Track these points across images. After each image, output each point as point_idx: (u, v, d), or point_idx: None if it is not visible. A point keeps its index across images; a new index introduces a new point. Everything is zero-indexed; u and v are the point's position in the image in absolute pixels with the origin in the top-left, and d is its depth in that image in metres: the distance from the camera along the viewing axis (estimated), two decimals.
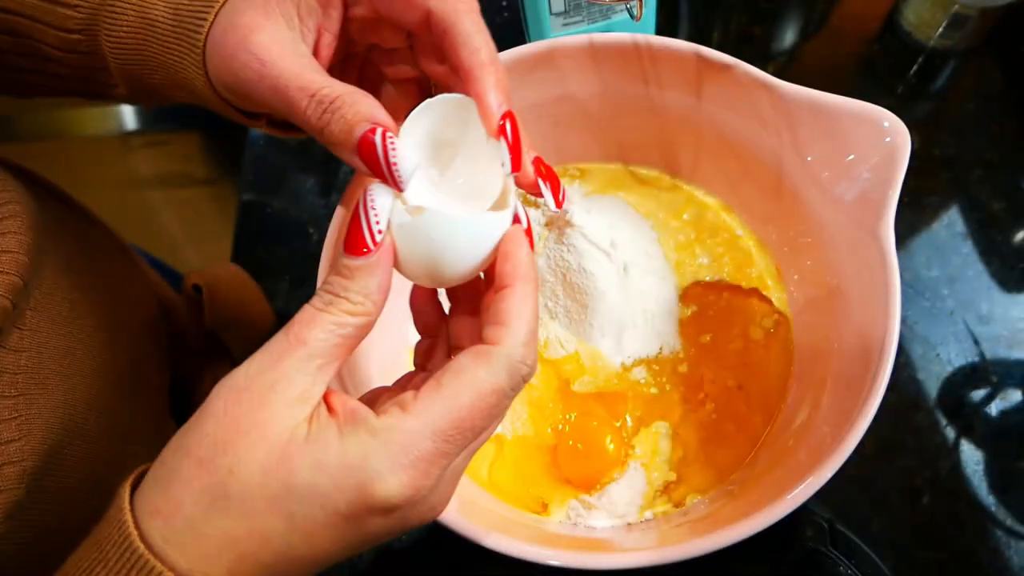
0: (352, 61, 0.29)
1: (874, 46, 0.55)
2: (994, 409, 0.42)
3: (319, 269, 0.32)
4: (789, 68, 0.56)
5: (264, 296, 0.48)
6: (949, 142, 0.50)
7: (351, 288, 0.22)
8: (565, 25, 0.46)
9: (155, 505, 0.20)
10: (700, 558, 0.27)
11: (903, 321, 0.31)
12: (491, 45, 0.24)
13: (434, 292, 0.26)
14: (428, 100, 0.24)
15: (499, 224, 0.23)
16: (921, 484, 0.41)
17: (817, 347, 0.36)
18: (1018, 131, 0.51)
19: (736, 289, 0.40)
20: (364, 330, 0.22)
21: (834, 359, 0.34)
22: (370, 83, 0.29)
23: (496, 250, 0.23)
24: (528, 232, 0.24)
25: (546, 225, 0.41)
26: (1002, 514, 0.40)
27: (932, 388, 0.43)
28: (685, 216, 0.42)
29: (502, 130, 0.23)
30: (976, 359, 0.43)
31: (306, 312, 0.21)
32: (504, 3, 0.60)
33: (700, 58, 0.35)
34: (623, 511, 0.35)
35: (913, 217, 0.48)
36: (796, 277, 0.39)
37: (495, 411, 0.22)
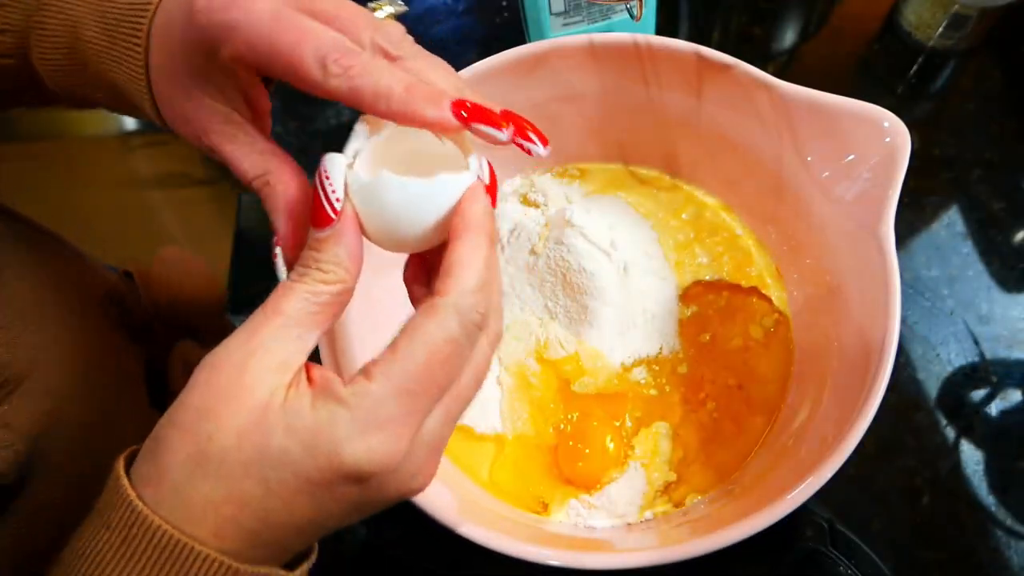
0: None
1: (874, 46, 0.55)
2: (994, 409, 0.42)
3: None
4: (789, 68, 0.56)
5: (214, 276, 0.47)
6: (949, 142, 0.50)
7: (321, 258, 0.22)
8: (565, 25, 0.46)
9: (146, 474, 0.20)
10: (700, 558, 0.27)
11: (903, 321, 0.31)
12: (396, 76, 0.22)
13: (423, 266, 0.26)
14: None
15: (456, 185, 0.23)
16: (921, 484, 0.41)
17: (817, 347, 0.36)
18: (1018, 131, 0.51)
19: (736, 288, 0.40)
20: (341, 297, 0.23)
21: (834, 359, 0.34)
22: None
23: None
24: (490, 189, 0.23)
25: (546, 225, 0.41)
26: (1002, 514, 0.40)
27: (932, 388, 0.43)
28: (684, 215, 0.42)
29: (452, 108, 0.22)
30: (976, 359, 0.43)
31: (282, 286, 0.22)
32: (504, 3, 0.60)
33: (700, 58, 0.35)
34: (623, 511, 0.35)
35: (913, 217, 0.48)
36: (796, 277, 0.39)
37: (455, 361, 0.22)
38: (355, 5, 0.23)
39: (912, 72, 0.54)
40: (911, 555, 0.39)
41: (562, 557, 0.28)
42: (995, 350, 0.44)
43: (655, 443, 0.37)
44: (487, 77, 0.36)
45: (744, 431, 0.37)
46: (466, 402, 0.23)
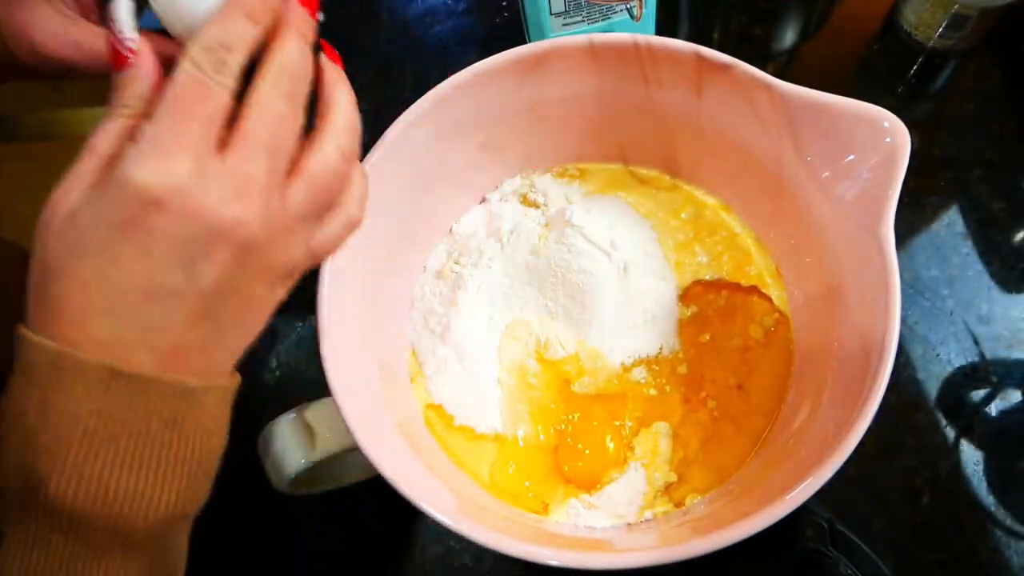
0: None
1: (874, 46, 0.55)
2: (994, 409, 0.42)
3: (319, 269, 0.32)
4: (789, 68, 0.56)
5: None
6: (949, 142, 0.50)
7: (125, 97, 0.24)
8: (565, 25, 0.46)
9: (33, 316, 0.23)
10: (700, 558, 0.27)
11: (903, 321, 0.31)
12: None
13: None
14: None
15: None
16: (921, 484, 0.41)
17: (817, 347, 0.36)
18: (1018, 131, 0.51)
19: (736, 287, 0.40)
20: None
21: (834, 359, 0.34)
22: None
23: None
24: None
25: (546, 225, 0.41)
26: (1002, 514, 0.40)
27: (932, 388, 0.43)
28: (684, 215, 0.42)
29: None
30: (976, 359, 0.43)
31: (95, 128, 0.24)
32: (504, 3, 0.60)
33: (700, 58, 0.35)
34: (623, 511, 0.35)
35: (913, 217, 0.48)
36: (796, 276, 0.39)
37: (199, 82, 0.23)
38: None
39: (912, 72, 0.54)
40: (911, 555, 0.39)
41: (562, 557, 0.28)
42: (995, 350, 0.44)
43: (655, 443, 0.37)
44: (487, 77, 0.36)
45: (744, 431, 0.37)
46: (258, 138, 0.23)
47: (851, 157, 0.32)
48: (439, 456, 0.37)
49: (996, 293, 0.45)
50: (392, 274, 0.39)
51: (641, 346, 0.39)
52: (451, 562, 0.41)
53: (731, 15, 0.58)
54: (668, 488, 0.36)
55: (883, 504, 0.40)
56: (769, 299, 0.39)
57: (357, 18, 0.60)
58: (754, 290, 0.40)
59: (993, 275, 0.46)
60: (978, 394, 0.43)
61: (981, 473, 0.41)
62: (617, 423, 0.37)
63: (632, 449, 0.37)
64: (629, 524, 0.35)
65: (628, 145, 0.42)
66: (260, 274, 0.24)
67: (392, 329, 0.39)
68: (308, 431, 0.32)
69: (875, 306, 0.31)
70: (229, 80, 0.23)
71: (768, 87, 0.34)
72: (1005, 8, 0.50)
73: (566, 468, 0.37)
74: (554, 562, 0.27)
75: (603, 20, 0.46)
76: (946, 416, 0.42)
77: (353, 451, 0.30)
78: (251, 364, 0.46)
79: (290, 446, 0.32)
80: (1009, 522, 0.39)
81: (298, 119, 0.25)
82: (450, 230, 0.43)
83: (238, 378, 0.26)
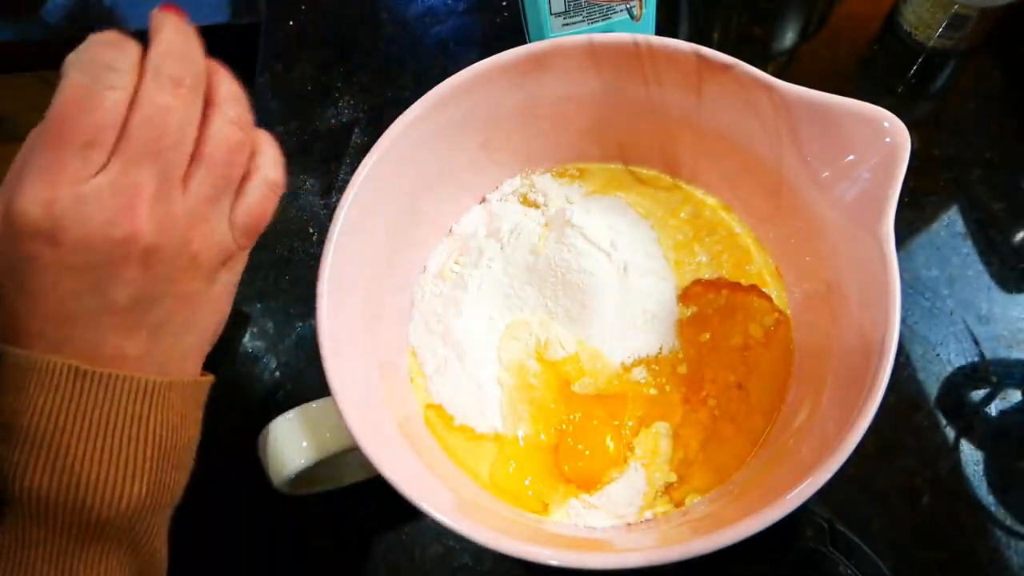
0: None
1: (874, 46, 0.55)
2: (994, 409, 0.42)
3: (319, 269, 0.32)
4: (789, 68, 0.56)
5: None
6: (949, 142, 0.50)
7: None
8: (565, 25, 0.46)
9: None
10: (700, 558, 0.27)
11: (903, 321, 0.31)
12: None
13: None
14: None
15: None
16: (921, 484, 0.41)
17: (817, 347, 0.36)
18: (1018, 131, 0.51)
19: (735, 286, 0.40)
20: None
21: (834, 359, 0.34)
22: None
23: None
24: None
25: (546, 225, 0.41)
26: (1002, 514, 0.40)
27: (932, 388, 0.43)
28: (682, 214, 0.42)
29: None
30: (976, 359, 0.43)
31: None
32: (504, 3, 0.60)
33: (700, 58, 0.35)
34: (623, 511, 0.35)
35: (913, 217, 0.48)
36: (795, 276, 0.39)
37: (85, 104, 0.22)
38: None
39: (912, 72, 0.54)
40: (911, 555, 0.39)
41: (562, 557, 0.28)
42: (995, 350, 0.44)
43: (655, 443, 0.37)
44: (487, 77, 0.36)
45: (744, 431, 0.37)
46: (140, 142, 0.23)
47: (851, 157, 0.32)
48: (439, 456, 0.37)
49: (996, 293, 0.45)
50: (392, 274, 0.39)
51: (641, 346, 0.39)
52: (451, 562, 0.41)
53: (731, 15, 0.58)
54: (668, 488, 0.36)
55: (883, 504, 0.40)
56: (769, 298, 0.39)
57: (357, 18, 0.60)
58: (754, 289, 0.40)
59: (993, 275, 0.46)
60: (978, 394, 0.43)
61: (981, 473, 0.41)
62: (617, 423, 0.37)
63: (632, 449, 0.37)
64: (629, 524, 0.35)
65: (628, 145, 0.42)
66: (183, 272, 0.24)
67: (392, 329, 0.39)
68: (308, 431, 0.32)
69: (875, 306, 0.31)
70: (119, 80, 0.22)
71: (768, 87, 0.34)
72: (1005, 8, 0.50)
73: (566, 468, 0.37)
74: (554, 562, 0.27)
75: (603, 20, 0.46)
76: (946, 416, 0.42)
77: (353, 451, 0.30)
78: (251, 364, 0.46)
79: (290, 446, 0.32)
80: (1009, 522, 0.39)
81: (191, 104, 0.24)
82: (450, 230, 0.43)
83: (210, 377, 0.27)
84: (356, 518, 0.42)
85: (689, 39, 0.35)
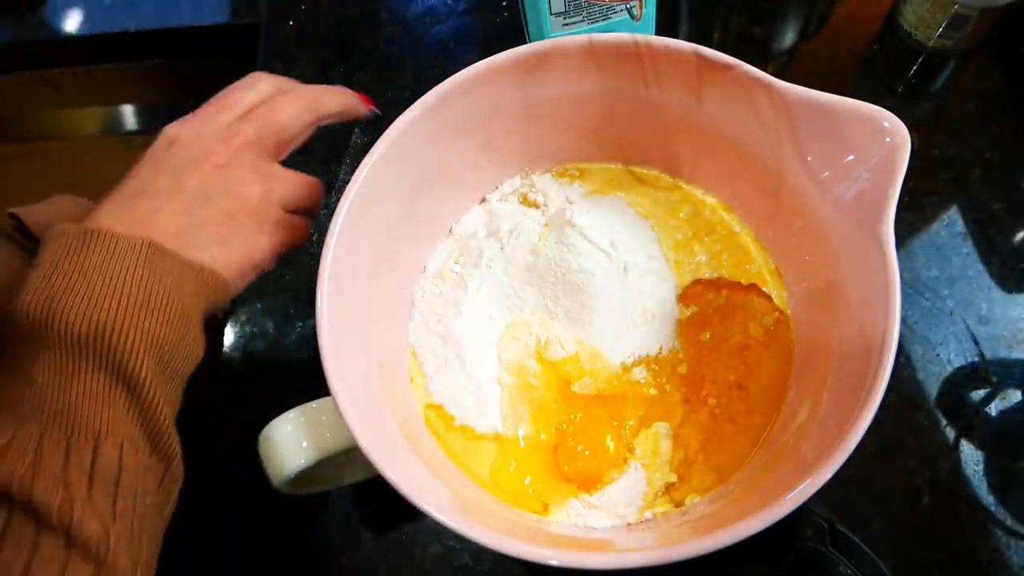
0: None
1: (874, 46, 0.55)
2: (994, 409, 0.42)
3: (319, 269, 0.32)
4: (789, 68, 0.56)
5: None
6: (949, 142, 0.50)
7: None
8: (565, 25, 0.46)
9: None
10: (700, 558, 0.27)
11: (903, 321, 0.31)
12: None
13: None
14: None
15: None
16: (921, 484, 0.41)
17: (817, 346, 0.36)
18: (1018, 131, 0.51)
19: (735, 285, 0.40)
20: None
21: (834, 359, 0.34)
22: None
23: None
24: None
25: (546, 225, 0.41)
26: (1002, 514, 0.40)
27: (932, 388, 0.43)
28: (682, 214, 0.42)
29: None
30: (976, 359, 0.43)
31: None
32: (504, 3, 0.60)
33: (700, 58, 0.35)
34: (623, 511, 0.35)
35: (913, 217, 0.48)
36: (795, 275, 0.39)
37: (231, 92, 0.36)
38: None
39: (912, 72, 0.54)
40: (911, 555, 0.39)
41: (562, 557, 0.28)
42: (995, 350, 0.44)
43: (655, 443, 0.37)
44: (487, 77, 0.36)
45: (744, 431, 0.37)
46: (255, 116, 0.35)
47: (851, 157, 0.32)
48: (439, 456, 0.37)
49: (996, 293, 0.45)
50: (392, 274, 0.39)
51: (641, 346, 0.39)
52: (451, 562, 0.41)
53: (731, 15, 0.58)
54: (668, 488, 0.36)
55: (883, 504, 0.40)
56: (769, 298, 0.39)
57: (357, 18, 0.60)
58: (754, 288, 0.40)
59: (993, 275, 0.46)
60: (978, 394, 0.43)
61: (981, 473, 0.41)
62: (617, 423, 0.37)
63: (632, 449, 0.37)
64: (629, 524, 0.35)
65: (628, 145, 0.42)
66: (236, 194, 0.33)
67: (392, 329, 0.39)
68: (308, 431, 0.32)
69: (875, 306, 0.31)
70: (260, 88, 0.36)
71: (768, 87, 0.34)
72: (1005, 8, 0.50)
73: (566, 468, 0.37)
74: (554, 562, 0.27)
75: (603, 20, 0.46)
76: (946, 416, 0.42)
77: (353, 451, 0.30)
78: (251, 364, 0.46)
79: (290, 446, 0.32)
80: (1009, 522, 0.39)
81: (299, 118, 0.36)
82: (450, 230, 0.43)
83: (229, 291, 0.33)
84: (356, 518, 0.42)
85: (689, 39, 0.35)
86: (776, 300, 0.39)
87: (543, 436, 0.38)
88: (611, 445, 0.37)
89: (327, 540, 0.42)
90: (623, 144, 0.42)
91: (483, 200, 0.43)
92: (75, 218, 0.42)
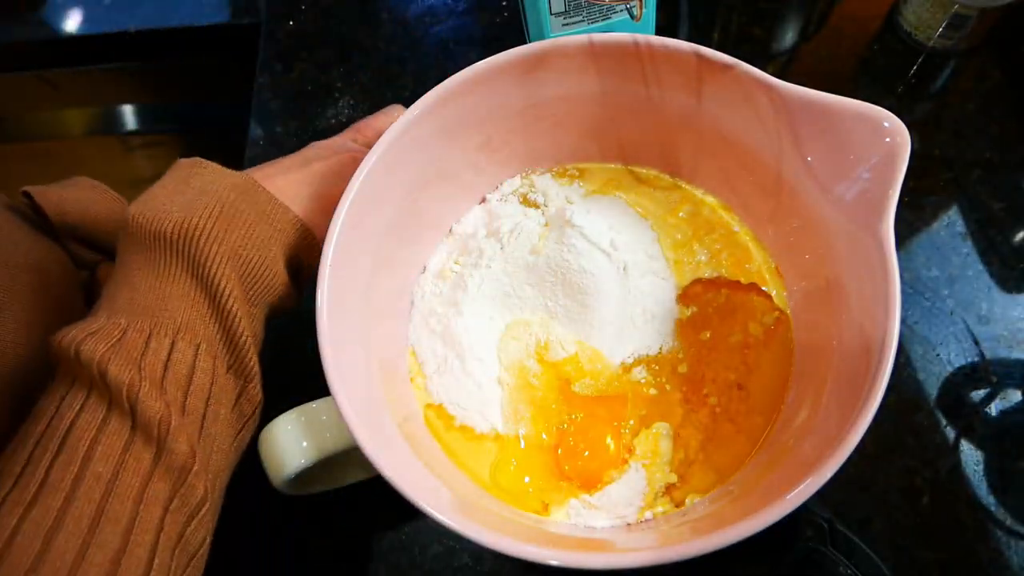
0: None
1: (874, 46, 0.55)
2: (994, 409, 0.42)
3: (320, 269, 0.32)
4: (789, 68, 0.56)
5: (122, 199, 0.48)
6: (949, 142, 0.50)
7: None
8: (565, 25, 0.46)
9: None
10: (700, 558, 0.27)
11: (903, 321, 0.31)
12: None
13: None
14: None
15: None
16: (921, 484, 0.41)
17: (817, 346, 0.36)
18: (1018, 131, 0.51)
19: (735, 285, 0.40)
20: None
21: (834, 359, 0.34)
22: None
23: None
24: None
25: (546, 225, 0.41)
26: (1002, 514, 0.40)
27: (932, 388, 0.43)
28: (682, 214, 0.42)
29: None
30: (976, 359, 0.44)
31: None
32: (504, 3, 0.60)
33: (700, 58, 0.35)
34: (623, 511, 0.35)
35: (913, 217, 0.48)
36: (795, 275, 0.39)
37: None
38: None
39: (912, 72, 0.54)
40: (911, 555, 0.39)
41: (562, 557, 0.28)
42: (995, 350, 0.44)
43: (655, 444, 0.37)
44: (487, 77, 0.36)
45: (744, 431, 0.37)
46: (367, 129, 0.43)
47: (851, 157, 0.32)
48: (439, 456, 0.37)
49: (996, 293, 0.45)
50: (392, 274, 0.39)
51: (641, 345, 0.39)
52: (451, 562, 0.41)
53: (731, 15, 0.58)
54: (668, 488, 0.36)
55: (883, 504, 0.40)
56: (769, 297, 0.39)
57: (357, 18, 0.60)
58: (754, 288, 0.40)
59: (993, 275, 0.46)
60: (978, 394, 0.43)
61: (981, 473, 0.41)
62: (617, 423, 0.37)
63: (632, 449, 0.37)
64: (629, 524, 0.35)
65: (628, 145, 0.42)
66: (324, 161, 0.38)
67: (392, 329, 0.39)
68: (308, 431, 0.32)
69: (875, 306, 0.31)
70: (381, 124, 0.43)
71: (768, 87, 0.34)
72: (1005, 8, 0.50)
73: (566, 468, 0.37)
74: (554, 562, 0.27)
75: (603, 20, 0.46)
76: (946, 416, 0.42)
77: (353, 451, 0.30)
78: None
79: (290, 446, 0.32)
80: (1009, 522, 0.40)
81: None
82: (450, 230, 0.43)
83: (314, 240, 0.36)
84: (356, 518, 0.42)
85: (689, 39, 0.35)
86: (776, 299, 0.39)
87: (543, 436, 0.38)
88: (611, 445, 0.37)
89: (327, 540, 0.42)
90: (623, 144, 0.42)
91: (483, 200, 0.43)
92: (89, 200, 0.44)
